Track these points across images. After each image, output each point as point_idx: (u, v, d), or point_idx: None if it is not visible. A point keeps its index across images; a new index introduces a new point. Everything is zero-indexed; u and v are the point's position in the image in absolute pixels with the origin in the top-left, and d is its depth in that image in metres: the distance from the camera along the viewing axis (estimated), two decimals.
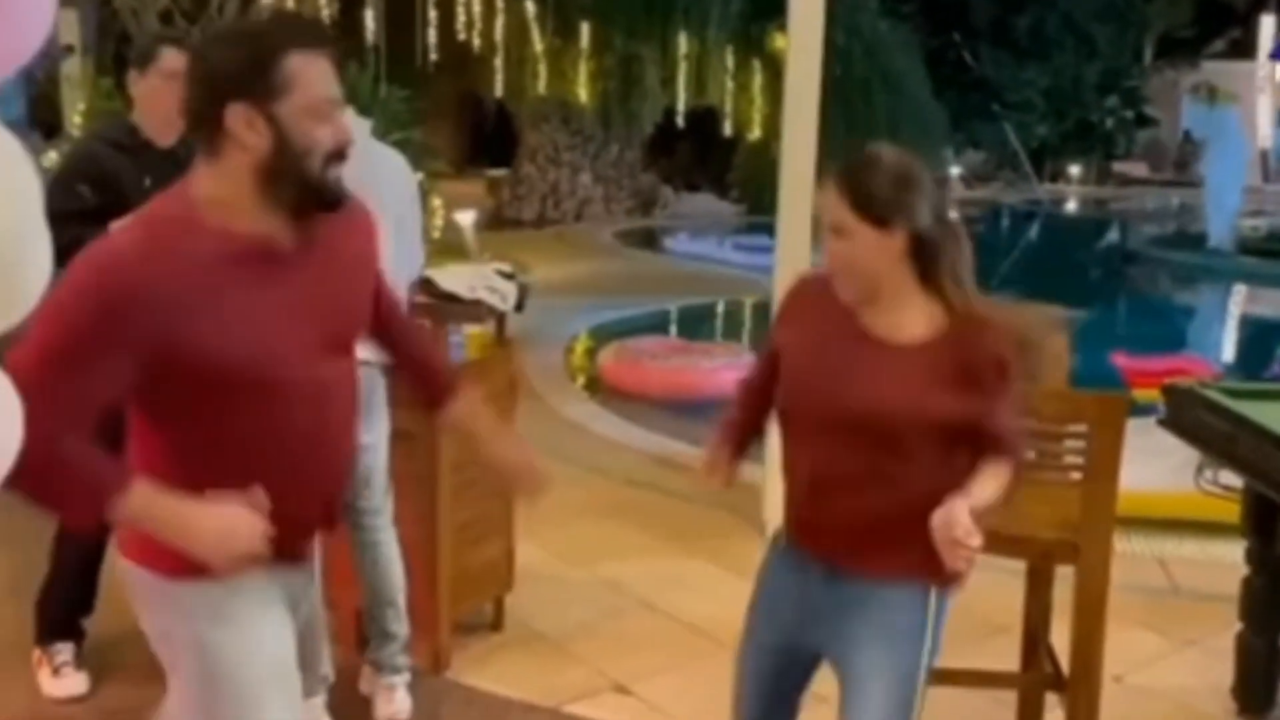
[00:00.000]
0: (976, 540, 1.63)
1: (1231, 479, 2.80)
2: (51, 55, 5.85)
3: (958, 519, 1.63)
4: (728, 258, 10.79)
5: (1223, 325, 9.90)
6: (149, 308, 1.44)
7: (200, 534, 1.49)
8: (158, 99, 2.74)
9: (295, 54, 1.46)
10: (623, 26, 12.42)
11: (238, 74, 1.45)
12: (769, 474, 4.03)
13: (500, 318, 3.12)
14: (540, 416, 5.15)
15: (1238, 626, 2.85)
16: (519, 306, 3.13)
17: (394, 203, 2.54)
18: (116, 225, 2.64)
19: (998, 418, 1.75)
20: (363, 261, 1.70)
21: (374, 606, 2.69)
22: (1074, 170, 19.89)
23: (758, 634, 2.04)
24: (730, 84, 13.27)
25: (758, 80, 13.25)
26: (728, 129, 13.76)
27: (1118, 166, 20.22)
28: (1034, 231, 16.26)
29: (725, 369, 6.31)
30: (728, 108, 13.45)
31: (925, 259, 1.74)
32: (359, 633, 2.82)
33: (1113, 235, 15.85)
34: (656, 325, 8.03)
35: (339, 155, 1.52)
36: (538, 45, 12.47)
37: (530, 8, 12.26)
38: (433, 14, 11.94)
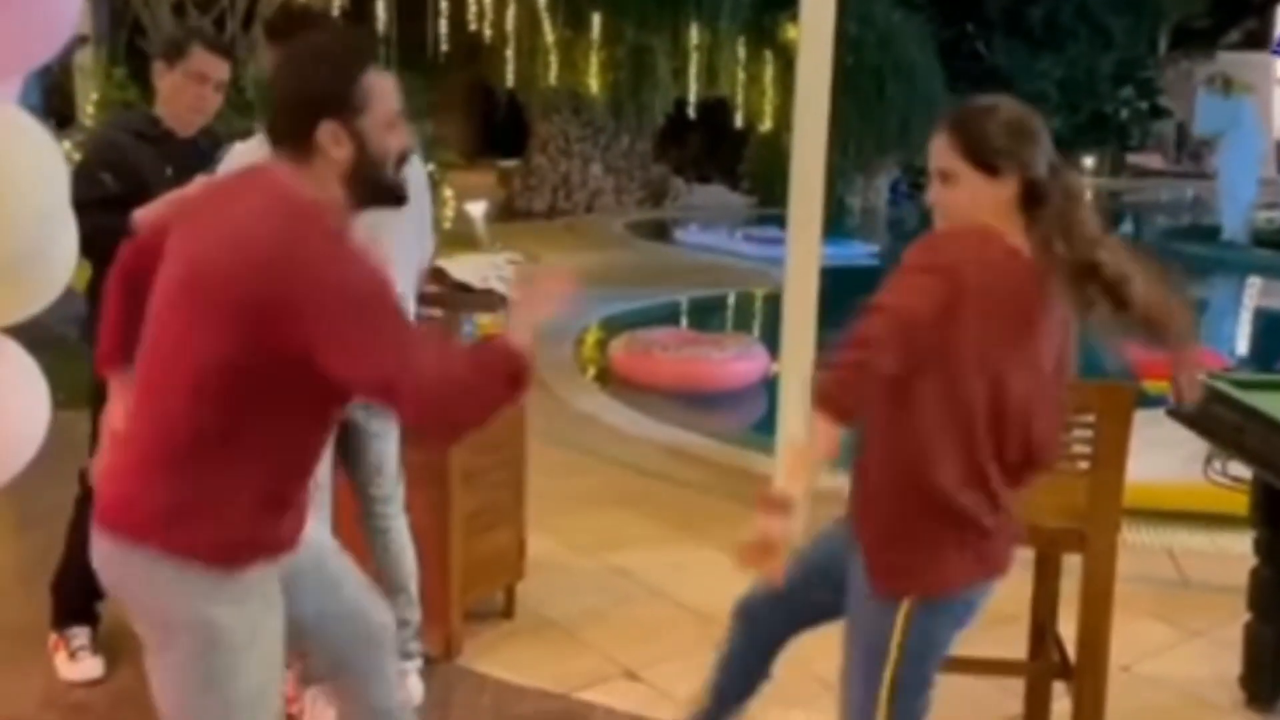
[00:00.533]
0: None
1: (1240, 470, 2.79)
2: (65, 45, 5.86)
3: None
4: (738, 249, 10.78)
5: (1236, 318, 9.85)
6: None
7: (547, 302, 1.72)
8: (181, 95, 2.76)
9: (370, 72, 1.65)
10: (634, 17, 12.39)
11: (326, 95, 1.62)
12: (779, 464, 4.04)
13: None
14: (550, 407, 5.17)
15: (1246, 617, 2.85)
16: None
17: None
18: (140, 215, 2.68)
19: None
20: None
21: (386, 593, 2.71)
22: (1088, 162, 19.77)
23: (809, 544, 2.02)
24: (742, 75, 13.24)
25: (769, 71, 13.21)
26: (739, 120, 13.72)
27: (1132, 158, 20.09)
28: None
29: (736, 360, 6.33)
30: (739, 99, 13.42)
31: (1033, 210, 1.72)
32: None
33: (1126, 227, 15.77)
34: (667, 316, 8.04)
35: (404, 159, 1.71)
36: (549, 36, 12.46)
37: None
38: (444, 4, 11.94)
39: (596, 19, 12.42)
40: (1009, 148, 1.70)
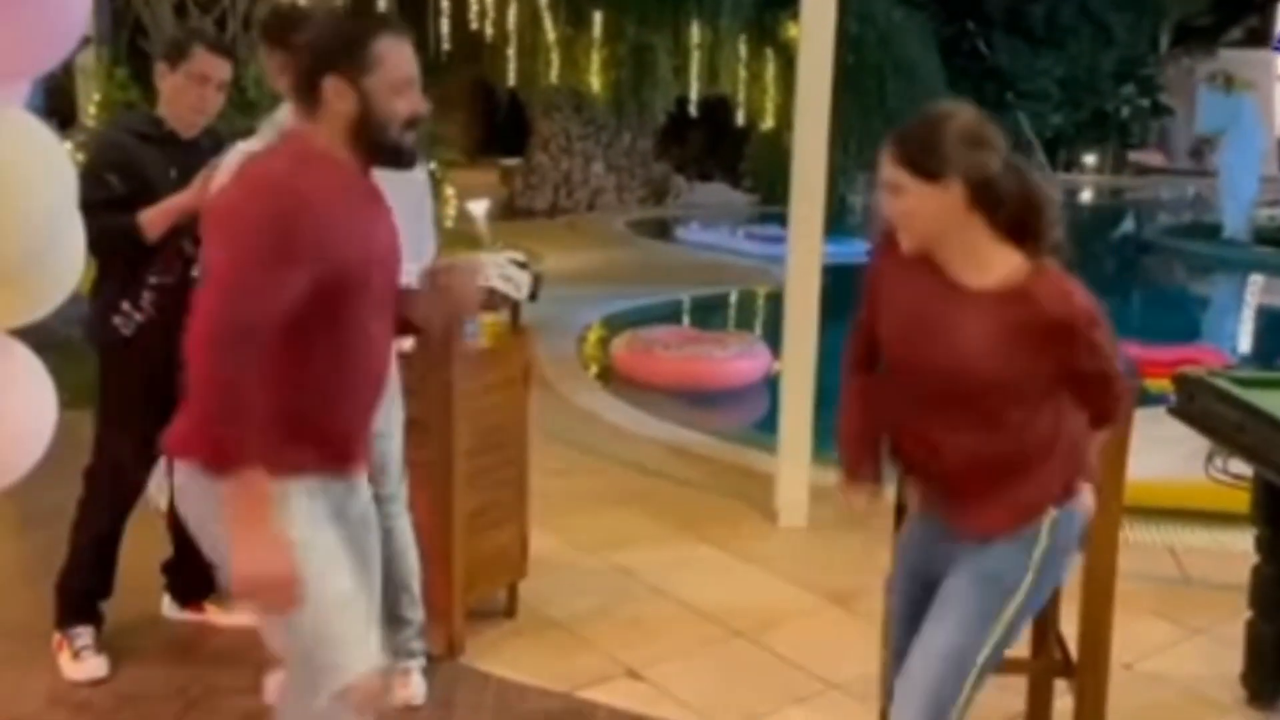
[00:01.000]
0: None
1: (1241, 467, 2.79)
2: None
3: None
4: (740, 247, 10.78)
5: (1238, 315, 9.85)
6: (311, 214, 1.69)
7: (250, 558, 1.68)
8: (183, 96, 2.77)
9: (383, 38, 1.76)
10: (635, 15, 12.38)
11: (333, 51, 1.75)
12: (781, 463, 4.05)
13: (514, 306, 3.13)
14: (553, 405, 5.17)
15: (1247, 614, 2.86)
16: (533, 295, 3.15)
17: (405, 191, 2.56)
18: (145, 215, 2.68)
19: (1095, 364, 1.81)
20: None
21: (388, 592, 2.72)
22: (1089, 159, 19.76)
23: (897, 580, 2.09)
24: (743, 73, 13.22)
25: (771, 69, 13.20)
26: (740, 118, 13.71)
27: (1133, 156, 20.06)
28: None
29: (738, 358, 6.33)
30: (740, 97, 13.41)
31: (989, 210, 1.76)
32: None
33: (1128, 225, 15.76)
34: (669, 314, 8.04)
35: (412, 123, 1.81)
36: (550, 34, 12.45)
37: None
38: (445, 3, 11.94)
39: (598, 17, 12.41)
40: (944, 153, 1.74)
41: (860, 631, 2.95)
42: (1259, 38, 20.12)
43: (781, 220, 4.30)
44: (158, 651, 2.96)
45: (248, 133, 2.61)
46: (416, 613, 2.74)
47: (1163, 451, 3.26)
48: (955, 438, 1.86)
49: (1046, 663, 2.57)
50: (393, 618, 2.73)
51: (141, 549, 3.01)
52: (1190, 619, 3.28)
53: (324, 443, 1.81)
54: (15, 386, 2.20)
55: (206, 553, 1.85)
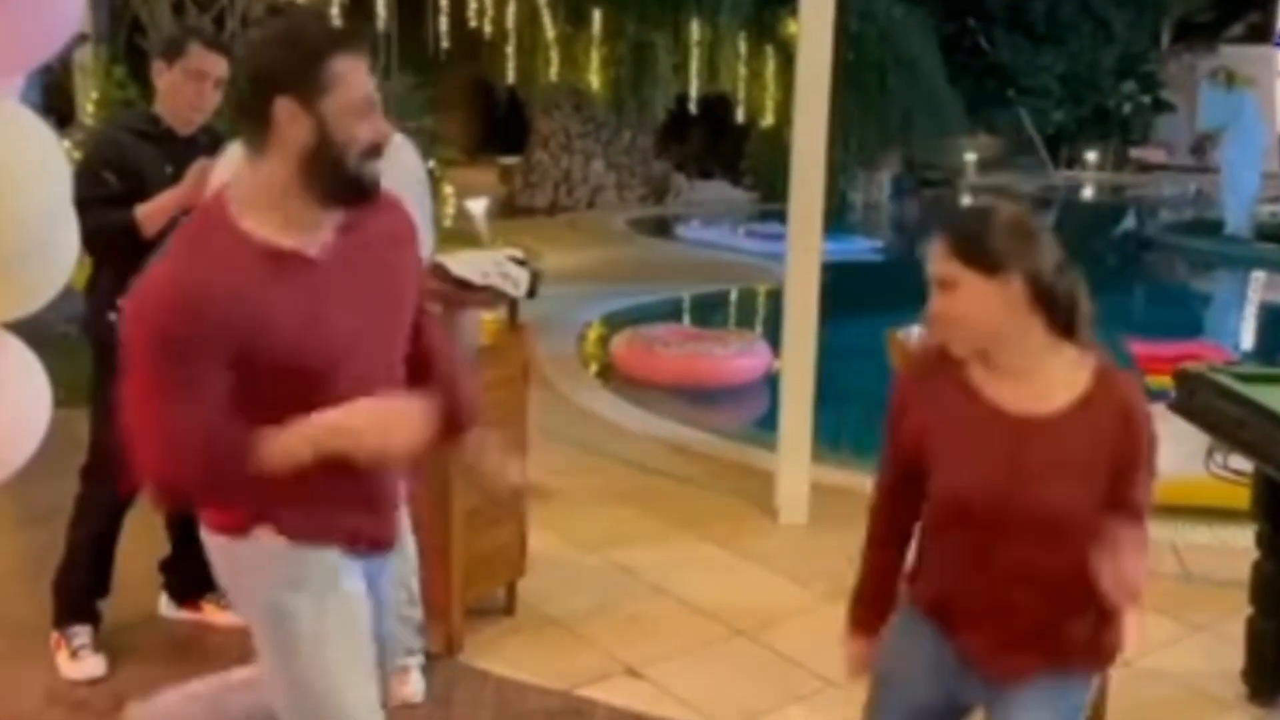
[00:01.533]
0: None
1: (1242, 463, 2.79)
2: (67, 43, 5.85)
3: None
4: (740, 245, 10.76)
5: (1240, 312, 9.84)
6: (216, 305, 1.53)
7: (360, 427, 1.57)
8: (179, 93, 2.76)
9: (341, 56, 1.55)
10: (634, 12, 12.37)
11: (286, 71, 1.54)
12: (781, 461, 4.04)
13: (513, 304, 3.13)
14: (552, 403, 5.17)
15: (1248, 611, 2.85)
16: (531, 292, 3.14)
17: (404, 190, 2.55)
18: (141, 210, 2.68)
19: (1140, 487, 1.65)
20: (401, 265, 1.75)
21: None
22: (1090, 156, 19.73)
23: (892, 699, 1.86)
24: (743, 70, 13.21)
25: (770, 66, 13.19)
26: (741, 116, 13.70)
27: (1135, 152, 20.04)
28: (1050, 218, 16.15)
29: (738, 356, 6.32)
30: (740, 94, 13.39)
31: (1055, 309, 1.60)
32: None
33: (1129, 222, 15.74)
34: (669, 312, 8.03)
35: (375, 150, 1.60)
36: (549, 32, 12.44)
37: None
38: (444, 1, 11.92)
39: (597, 15, 12.40)
40: (1006, 246, 1.60)
41: None
42: (1260, 34, 20.08)
43: (782, 218, 4.29)
44: (155, 650, 2.95)
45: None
46: (415, 611, 2.72)
47: (1163, 448, 3.23)
48: (1037, 582, 1.66)
49: None
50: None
51: (139, 547, 3.01)
52: (1191, 615, 3.27)
53: (330, 517, 1.69)
54: (9, 381, 2.19)
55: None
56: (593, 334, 7.36)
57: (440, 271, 2.99)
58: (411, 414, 1.59)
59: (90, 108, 6.07)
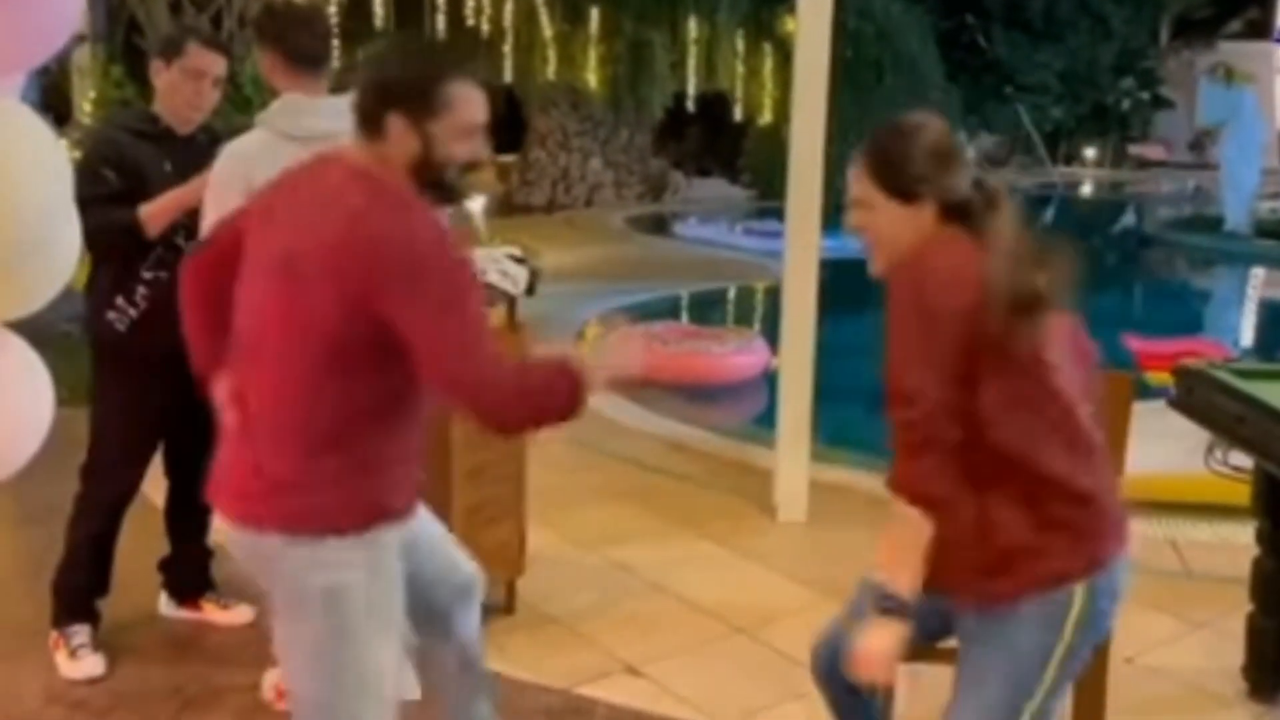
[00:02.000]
0: None
1: (1242, 460, 2.78)
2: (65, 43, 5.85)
3: None
4: (738, 242, 10.77)
5: (1240, 309, 9.84)
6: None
7: (630, 355, 1.84)
8: (178, 92, 2.76)
9: (454, 82, 1.71)
10: (632, 11, 12.37)
11: (403, 91, 1.69)
12: (780, 458, 4.04)
13: (511, 302, 3.12)
14: None
15: (1249, 608, 2.85)
16: (530, 290, 3.14)
17: None
18: (144, 210, 2.67)
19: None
20: None
21: None
22: (1089, 153, 19.74)
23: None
24: (740, 68, 13.22)
25: (768, 64, 13.19)
26: (738, 113, 13.70)
27: (1133, 149, 20.05)
28: (1049, 215, 16.15)
29: (736, 354, 6.31)
30: (738, 92, 13.40)
31: (959, 223, 1.68)
32: None
33: (1128, 218, 15.74)
34: (667, 310, 8.03)
35: (472, 167, 1.77)
36: (546, 30, 12.43)
37: None
38: (440, 0, 11.91)
39: (594, 13, 12.39)
40: (926, 174, 1.67)
41: None
42: (1259, 30, 20.09)
43: (779, 215, 4.29)
44: (155, 649, 2.95)
45: (246, 128, 2.60)
46: None
47: (1163, 444, 3.25)
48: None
49: None
50: None
51: (138, 546, 3.01)
52: (1192, 612, 3.27)
53: (401, 480, 1.79)
54: (11, 381, 2.19)
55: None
56: (591, 332, 7.35)
57: None
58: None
59: (88, 107, 6.06)
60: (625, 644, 3.06)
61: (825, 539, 3.79)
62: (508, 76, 12.99)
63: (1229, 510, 3.55)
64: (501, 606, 3.21)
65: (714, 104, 13.74)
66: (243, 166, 2.45)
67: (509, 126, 14.86)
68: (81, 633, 2.84)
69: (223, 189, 2.47)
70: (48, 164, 2.09)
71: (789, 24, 11.52)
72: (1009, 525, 1.68)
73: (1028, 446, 1.67)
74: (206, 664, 2.87)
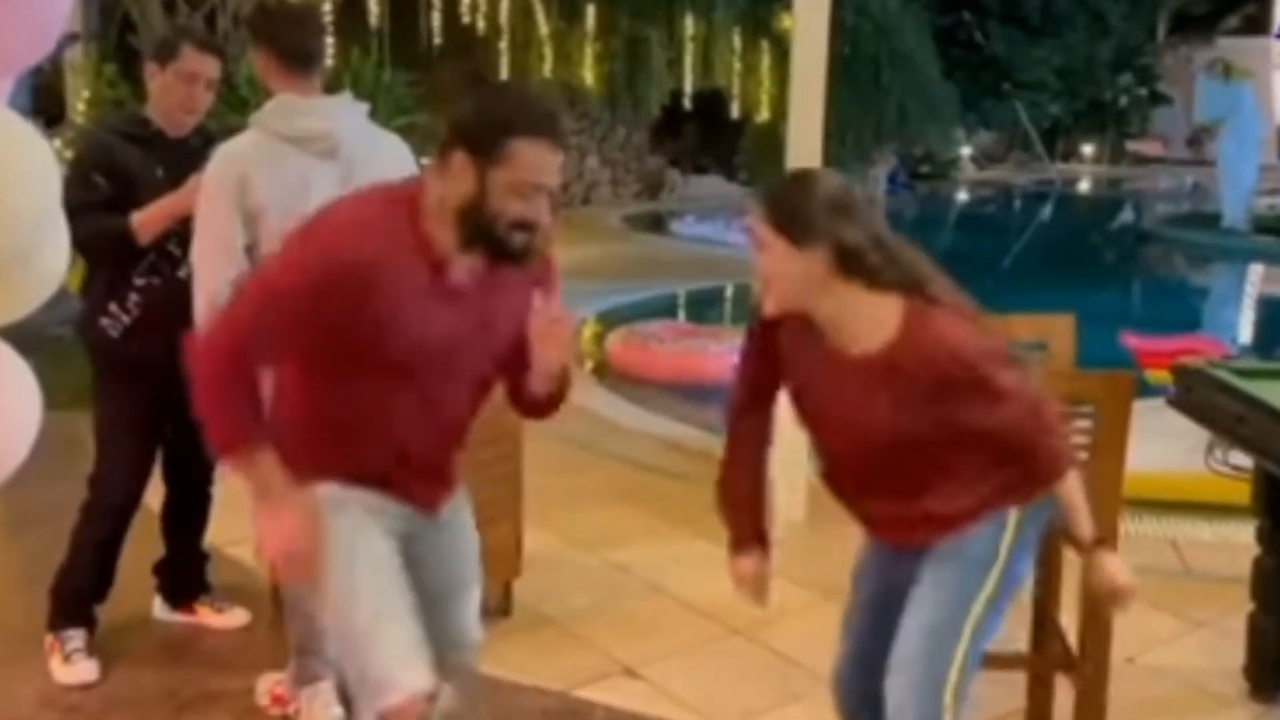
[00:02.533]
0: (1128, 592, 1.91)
1: (1242, 459, 2.77)
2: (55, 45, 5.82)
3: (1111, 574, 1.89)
4: (736, 240, 10.74)
5: (1238, 305, 9.82)
6: (358, 279, 1.70)
7: (276, 523, 1.78)
8: (171, 95, 2.74)
9: (523, 138, 1.69)
10: (628, 8, 12.33)
11: (471, 130, 1.71)
12: (777, 458, 4.02)
13: None
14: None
15: (1249, 607, 2.83)
16: None
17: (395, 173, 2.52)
18: (136, 218, 2.65)
19: (1000, 414, 1.77)
20: (518, 318, 1.89)
21: None
22: (1087, 150, 19.74)
23: (856, 611, 2.09)
24: (738, 65, 13.18)
25: (765, 61, 13.16)
26: (736, 111, 13.68)
27: (1131, 145, 20.04)
28: (1046, 212, 16.16)
29: (733, 353, 6.28)
30: (735, 89, 13.37)
31: (862, 273, 1.75)
32: None
33: (1126, 215, 15.74)
34: (664, 309, 8.02)
35: (524, 226, 1.74)
36: (543, 28, 12.40)
37: None
38: None
39: (590, 10, 12.36)
40: (819, 222, 1.74)
41: None
42: (1257, 25, 20.09)
43: None
44: (149, 653, 2.93)
45: (241, 129, 2.58)
46: None
47: (1163, 443, 3.23)
48: (881, 502, 1.89)
49: (1047, 657, 2.55)
50: None
51: (134, 550, 2.98)
52: (1192, 612, 3.26)
53: (362, 469, 1.85)
54: None
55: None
56: (588, 331, 7.34)
57: None
58: (305, 537, 1.79)
59: (81, 107, 6.03)
60: (623, 645, 3.05)
61: (824, 539, 3.76)
62: (504, 74, 12.96)
63: (1229, 509, 3.54)
64: (498, 608, 3.19)
65: (711, 101, 13.71)
66: (236, 168, 2.43)
67: None
68: (77, 637, 2.82)
69: (216, 191, 2.45)
70: (35, 170, 2.07)
71: (786, 21, 11.50)
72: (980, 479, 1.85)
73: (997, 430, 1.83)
74: (201, 668, 2.86)
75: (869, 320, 1.77)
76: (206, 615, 3.06)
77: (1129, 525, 2.89)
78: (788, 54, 4.08)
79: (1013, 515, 1.88)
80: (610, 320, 7.30)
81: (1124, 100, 19.20)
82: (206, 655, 2.92)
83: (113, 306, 2.73)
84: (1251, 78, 12.00)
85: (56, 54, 6.12)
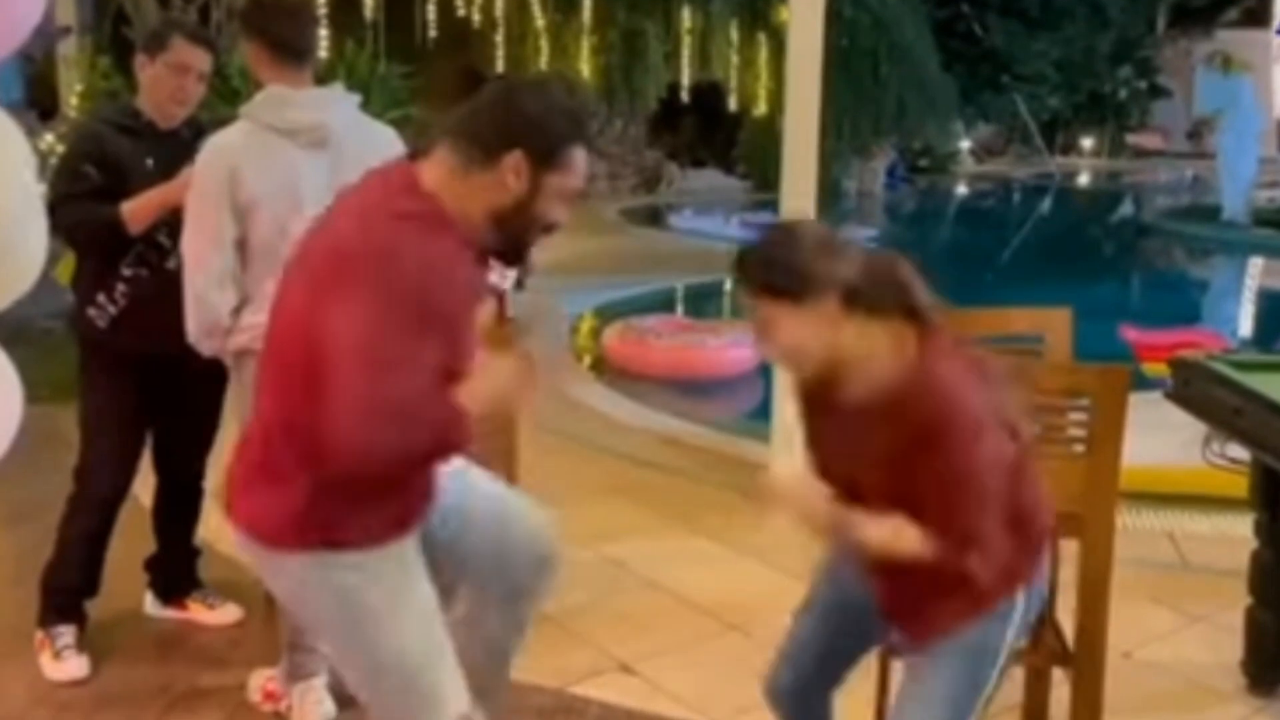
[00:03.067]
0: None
1: (1240, 452, 2.76)
2: (49, 36, 5.81)
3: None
4: (733, 234, 10.71)
5: (1237, 299, 9.81)
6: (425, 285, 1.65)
7: (502, 385, 1.78)
8: (161, 87, 2.73)
9: (580, 145, 1.71)
10: (625, 0, 12.30)
11: (540, 134, 1.67)
12: (775, 453, 4.01)
13: (500, 296, 3.09)
14: (544, 396, 5.12)
15: (1247, 601, 2.82)
16: (519, 284, 3.11)
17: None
18: (126, 207, 2.63)
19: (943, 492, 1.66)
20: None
21: None
22: (1086, 142, 19.70)
23: (814, 604, 2.03)
24: (735, 58, 13.14)
25: (763, 54, 13.11)
26: (733, 104, 13.64)
27: (1131, 138, 20.00)
28: (1046, 205, 16.13)
29: (731, 348, 6.28)
30: (732, 82, 13.33)
31: (864, 305, 1.67)
32: None
33: (1126, 208, 15.72)
34: (662, 304, 8.00)
35: (551, 229, 1.77)
36: (539, 20, 12.36)
37: None
38: None
39: (587, 2, 12.32)
40: (814, 270, 1.65)
41: None
42: (1257, 18, 20.03)
43: (775, 207, 4.26)
44: (140, 649, 2.92)
45: (225, 122, 2.56)
46: None
47: (1161, 436, 3.22)
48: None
49: (1044, 652, 2.53)
50: None
51: (124, 545, 2.97)
52: (1190, 606, 3.25)
53: (402, 504, 1.80)
54: None
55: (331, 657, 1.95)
56: (585, 326, 7.32)
57: None
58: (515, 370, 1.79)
59: (75, 100, 6.01)
60: (618, 642, 3.03)
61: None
62: (500, 67, 12.92)
63: (1227, 502, 3.52)
64: None
65: (708, 94, 13.68)
66: (226, 159, 2.42)
67: None
68: (67, 634, 2.81)
69: (206, 182, 2.43)
70: (12, 163, 2.04)
71: (784, 13, 11.45)
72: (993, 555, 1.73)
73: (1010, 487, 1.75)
74: (193, 664, 2.84)
75: (880, 352, 1.69)
76: (198, 611, 3.05)
77: (1126, 518, 2.87)
78: (785, 47, 4.06)
79: (1017, 604, 1.79)
80: (607, 315, 7.28)
81: (1123, 93, 19.16)
82: (198, 651, 2.91)
83: (100, 297, 2.71)
84: (1251, 71, 11.97)
85: (50, 47, 6.11)
